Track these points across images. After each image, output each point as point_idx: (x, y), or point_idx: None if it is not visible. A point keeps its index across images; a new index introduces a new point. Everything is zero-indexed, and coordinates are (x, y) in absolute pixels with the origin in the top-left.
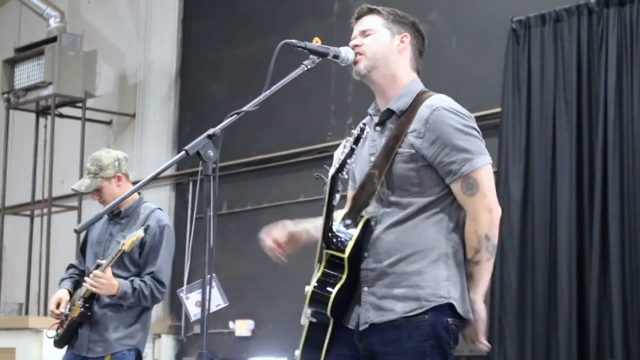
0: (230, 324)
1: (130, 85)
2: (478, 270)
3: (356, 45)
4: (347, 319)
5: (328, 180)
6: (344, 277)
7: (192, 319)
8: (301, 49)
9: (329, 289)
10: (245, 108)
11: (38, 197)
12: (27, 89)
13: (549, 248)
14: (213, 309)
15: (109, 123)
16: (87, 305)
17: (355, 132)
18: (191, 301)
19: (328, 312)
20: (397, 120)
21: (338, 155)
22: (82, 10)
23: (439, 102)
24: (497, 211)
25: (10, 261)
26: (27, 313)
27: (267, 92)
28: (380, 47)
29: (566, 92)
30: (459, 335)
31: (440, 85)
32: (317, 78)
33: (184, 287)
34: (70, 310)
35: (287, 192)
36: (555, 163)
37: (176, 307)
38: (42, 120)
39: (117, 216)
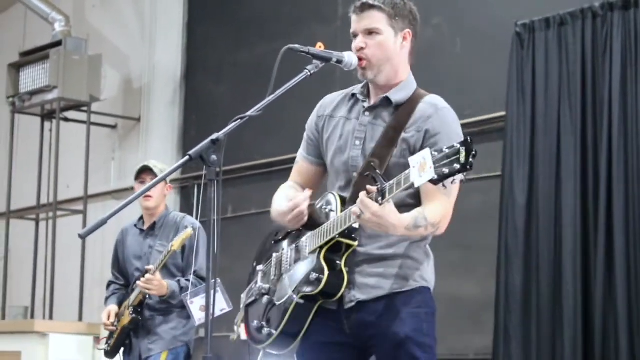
0: (236, 328)
1: (135, 89)
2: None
3: (361, 49)
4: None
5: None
6: (343, 262)
7: (197, 323)
8: (304, 54)
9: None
10: (249, 113)
11: (43, 201)
12: (32, 93)
13: (553, 252)
14: (217, 313)
15: (114, 127)
16: (138, 311)
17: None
18: (195, 305)
19: (339, 294)
20: (395, 112)
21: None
22: (87, 15)
23: (442, 102)
24: (446, 224)
25: (15, 265)
26: (32, 317)
27: (271, 97)
28: (385, 53)
29: (571, 96)
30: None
31: (446, 89)
32: (322, 82)
33: (188, 292)
34: (119, 320)
35: None
36: (560, 167)
37: None
38: (47, 124)
39: (152, 229)
